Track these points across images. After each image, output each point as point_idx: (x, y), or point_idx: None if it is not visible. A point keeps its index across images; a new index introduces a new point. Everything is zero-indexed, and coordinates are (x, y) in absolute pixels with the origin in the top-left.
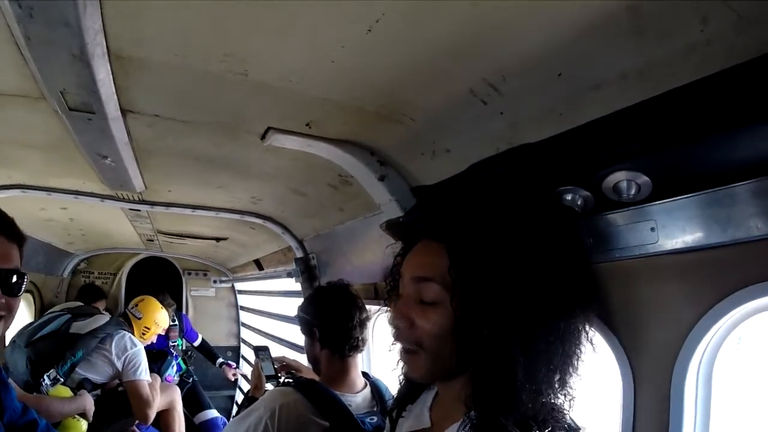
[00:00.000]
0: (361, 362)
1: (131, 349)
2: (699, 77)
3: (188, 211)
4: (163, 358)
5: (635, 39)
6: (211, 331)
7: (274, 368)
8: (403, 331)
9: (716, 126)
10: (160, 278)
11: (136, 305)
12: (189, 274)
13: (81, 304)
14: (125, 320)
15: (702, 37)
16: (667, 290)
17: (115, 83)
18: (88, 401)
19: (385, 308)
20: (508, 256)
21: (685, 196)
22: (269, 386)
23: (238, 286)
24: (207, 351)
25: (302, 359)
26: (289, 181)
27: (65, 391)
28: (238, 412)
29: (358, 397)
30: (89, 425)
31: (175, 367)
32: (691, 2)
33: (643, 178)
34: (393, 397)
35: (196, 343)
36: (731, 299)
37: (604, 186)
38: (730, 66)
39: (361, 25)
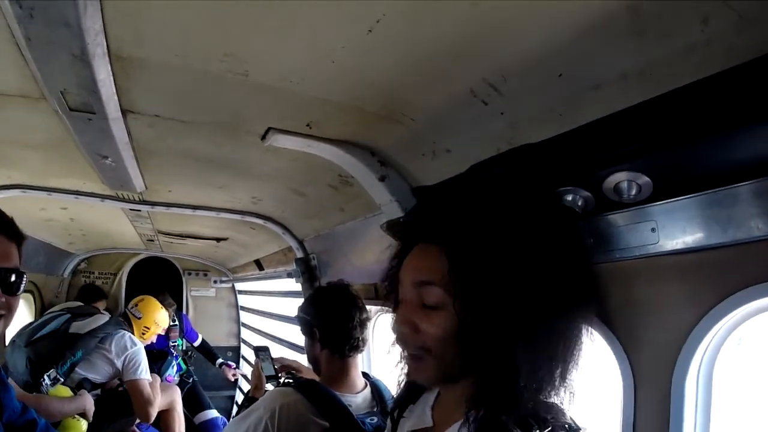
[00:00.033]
0: (361, 362)
1: (131, 349)
2: (699, 77)
3: (188, 212)
4: (163, 358)
5: (635, 39)
6: (212, 332)
7: (274, 368)
8: (407, 337)
9: (717, 126)
10: (160, 278)
11: (136, 305)
12: (189, 274)
13: (81, 303)
14: (125, 320)
15: (702, 37)
16: (667, 291)
17: (115, 83)
18: (88, 401)
19: (386, 309)
20: (506, 256)
21: (686, 196)
22: (269, 386)
23: (239, 286)
24: (207, 351)
25: (302, 359)
26: (289, 182)
27: (65, 391)
28: (238, 413)
29: (358, 398)
30: (89, 425)
31: (175, 367)
32: (691, 2)
33: (644, 179)
34: (392, 398)
35: (196, 344)
36: (732, 300)
37: (605, 186)
38: (730, 66)
39: (361, 25)
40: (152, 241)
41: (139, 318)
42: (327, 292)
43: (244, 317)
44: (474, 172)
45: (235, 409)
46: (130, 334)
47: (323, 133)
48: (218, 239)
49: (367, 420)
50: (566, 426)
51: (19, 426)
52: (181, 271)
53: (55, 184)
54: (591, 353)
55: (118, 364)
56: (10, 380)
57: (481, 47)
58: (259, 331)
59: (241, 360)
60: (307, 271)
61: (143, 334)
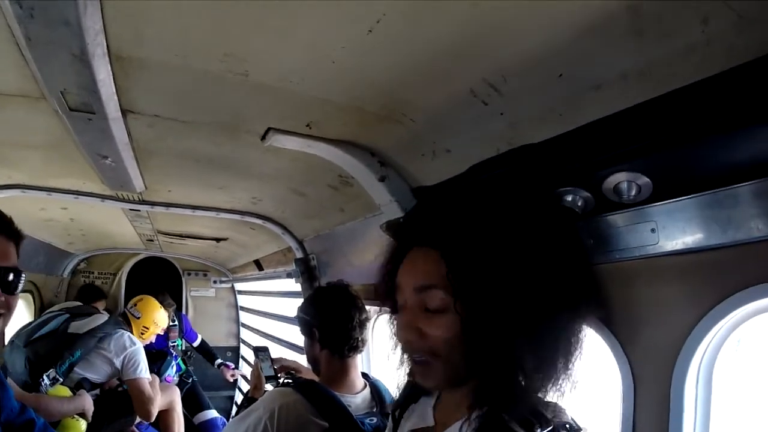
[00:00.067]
0: (360, 363)
1: (130, 348)
2: (699, 78)
3: (188, 212)
4: (162, 358)
5: (635, 39)
6: (211, 332)
7: (274, 369)
8: (414, 343)
9: (717, 127)
10: (159, 278)
11: (135, 305)
12: (189, 274)
13: (79, 303)
14: (124, 320)
15: (702, 37)
16: (667, 291)
17: (115, 83)
18: (87, 401)
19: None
20: (503, 256)
21: (686, 197)
22: (269, 387)
23: (238, 286)
24: (206, 351)
25: (302, 360)
26: (289, 182)
27: (64, 391)
28: (237, 413)
29: (357, 398)
30: (88, 425)
31: (174, 368)
32: (691, 2)
33: (644, 179)
34: (393, 400)
35: (196, 344)
36: (731, 300)
37: (605, 187)
38: (730, 67)
39: (361, 25)
40: (152, 241)
41: (138, 318)
42: (326, 292)
43: (244, 317)
44: (474, 173)
45: (234, 409)
46: (129, 333)
47: (323, 134)
48: (218, 239)
49: (367, 420)
50: (567, 425)
51: (17, 426)
52: (180, 272)
53: (55, 184)
54: (591, 353)
55: (117, 363)
56: (9, 380)
57: (481, 47)
58: (259, 331)
59: (240, 360)
60: (306, 271)
61: (142, 333)
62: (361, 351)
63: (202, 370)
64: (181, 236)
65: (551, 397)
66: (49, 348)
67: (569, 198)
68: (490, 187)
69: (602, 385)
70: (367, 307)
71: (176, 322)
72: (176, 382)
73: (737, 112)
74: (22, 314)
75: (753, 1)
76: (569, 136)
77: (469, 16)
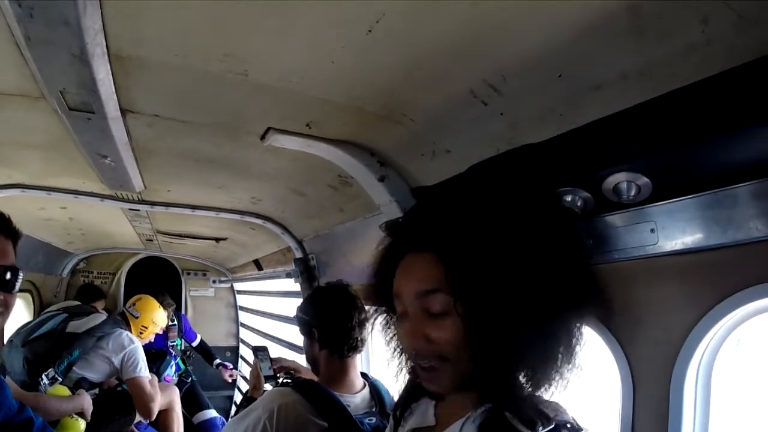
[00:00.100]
0: (360, 363)
1: (129, 347)
2: (699, 78)
3: (188, 211)
4: (161, 358)
5: (635, 39)
6: (210, 332)
7: (273, 369)
8: (421, 350)
9: (716, 127)
10: (159, 278)
11: (134, 304)
12: (188, 274)
13: (78, 303)
14: (123, 319)
15: (702, 37)
16: (666, 291)
17: (114, 83)
18: (86, 400)
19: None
20: (498, 252)
21: (685, 197)
22: (268, 386)
23: (238, 286)
24: (205, 351)
25: (301, 360)
26: (288, 182)
27: (63, 390)
28: (236, 413)
29: (356, 398)
30: (87, 424)
31: (173, 367)
32: (691, 2)
33: (643, 179)
34: (392, 399)
35: (195, 344)
36: (731, 300)
37: (604, 187)
38: (730, 67)
39: (361, 25)
40: (151, 240)
41: (137, 317)
42: (326, 292)
43: (243, 317)
44: (473, 173)
45: (233, 409)
46: (127, 332)
47: (323, 133)
48: (217, 239)
49: (366, 420)
50: (568, 424)
51: (15, 425)
52: (180, 271)
53: (55, 184)
54: (590, 353)
55: (116, 362)
56: (7, 379)
57: (481, 47)
58: (258, 331)
59: (239, 360)
60: (306, 271)
61: (141, 333)
62: (361, 351)
63: (202, 369)
64: (180, 236)
65: (552, 395)
66: (47, 347)
67: (569, 198)
68: (488, 187)
69: (602, 385)
70: (367, 307)
71: (175, 322)
72: (175, 381)
73: (737, 112)
74: (21, 314)
75: (753, 2)
76: (569, 136)
77: (469, 16)
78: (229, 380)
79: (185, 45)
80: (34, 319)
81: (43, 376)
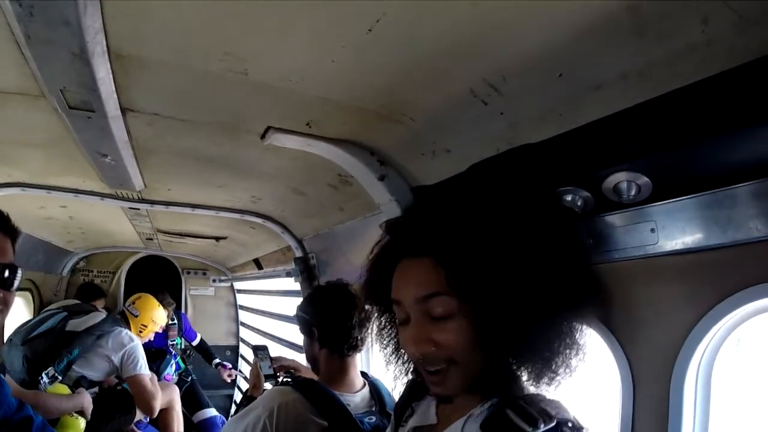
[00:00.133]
0: (360, 362)
1: (129, 344)
2: (699, 78)
3: (188, 210)
4: (162, 356)
5: (635, 39)
6: (211, 331)
7: (273, 368)
8: (429, 355)
9: (717, 127)
10: (159, 277)
11: (133, 303)
12: (188, 273)
13: (77, 301)
14: (122, 318)
15: (702, 37)
16: (666, 291)
17: (115, 82)
18: (86, 399)
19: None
20: (495, 250)
21: (685, 197)
22: (268, 385)
23: (238, 285)
24: (204, 351)
25: (301, 359)
26: (288, 181)
27: (63, 389)
28: (236, 411)
29: (356, 397)
30: (87, 423)
31: (173, 366)
32: (691, 2)
33: (644, 179)
34: (392, 399)
35: (195, 343)
36: (731, 300)
37: (604, 187)
38: (730, 67)
39: (361, 25)
40: (151, 239)
41: (137, 316)
42: (326, 291)
43: (243, 316)
44: (473, 172)
45: (233, 408)
46: (127, 330)
47: (323, 133)
48: (217, 238)
49: (366, 419)
50: (569, 423)
51: (14, 423)
52: (180, 270)
53: (55, 183)
54: (590, 353)
55: (116, 360)
56: (7, 377)
57: (481, 47)
58: (258, 330)
59: (239, 359)
60: (306, 270)
61: (140, 331)
62: (361, 350)
63: (202, 368)
64: (180, 235)
65: (556, 387)
66: (46, 346)
67: (569, 197)
68: (485, 188)
69: (602, 385)
70: (367, 306)
71: (175, 321)
72: (175, 380)
73: (737, 112)
74: (21, 313)
75: (753, 2)
76: (569, 135)
77: (469, 15)
78: (228, 380)
79: (185, 44)
80: (33, 317)
81: (43, 375)
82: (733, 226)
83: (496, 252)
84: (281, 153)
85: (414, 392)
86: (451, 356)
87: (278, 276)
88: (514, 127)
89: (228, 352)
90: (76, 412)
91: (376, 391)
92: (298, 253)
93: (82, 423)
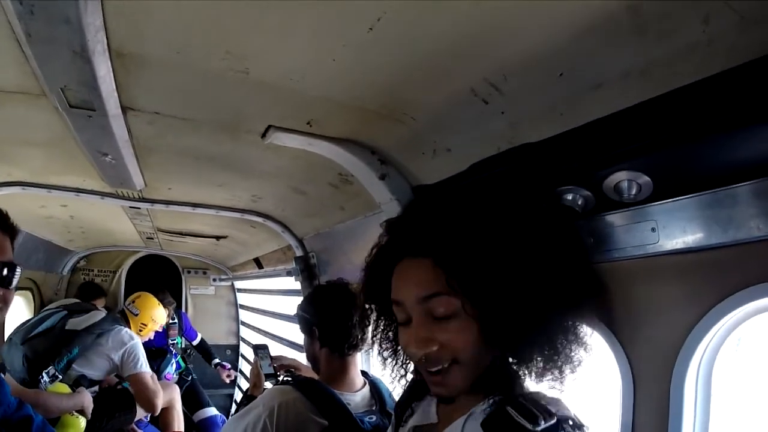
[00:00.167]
0: (360, 361)
1: (129, 343)
2: (700, 77)
3: (188, 209)
4: (162, 356)
5: (636, 39)
6: (211, 330)
7: (273, 367)
8: (433, 355)
9: (717, 126)
10: (159, 276)
11: (133, 301)
12: (189, 272)
13: (77, 300)
14: (122, 317)
15: (703, 37)
16: (667, 291)
17: (115, 80)
18: (86, 398)
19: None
20: (493, 248)
21: (686, 196)
22: (268, 385)
23: (238, 284)
24: (204, 350)
25: (301, 358)
26: (289, 180)
27: (64, 388)
28: (237, 411)
29: (357, 396)
30: (87, 422)
31: (174, 365)
32: (692, 2)
33: (644, 178)
34: (392, 398)
35: (195, 342)
36: (732, 300)
37: (605, 186)
38: (731, 66)
39: (362, 24)
40: (152, 238)
41: (136, 315)
42: (326, 290)
43: (244, 315)
44: (474, 171)
45: (234, 407)
46: (127, 329)
47: (324, 132)
48: (218, 237)
49: (366, 418)
50: (570, 420)
51: (14, 422)
52: (180, 269)
53: (55, 182)
54: (590, 353)
55: (116, 359)
56: (6, 376)
57: (482, 46)
58: (258, 329)
59: (240, 358)
60: (306, 269)
61: (140, 330)
62: (361, 349)
63: (202, 368)
64: (181, 234)
65: (560, 381)
66: (46, 345)
67: (569, 197)
68: (483, 187)
69: (602, 384)
70: (367, 306)
71: (176, 320)
72: (176, 379)
73: (738, 111)
74: (21, 312)
75: (754, 2)
76: (570, 135)
77: (470, 15)
78: (227, 381)
79: (186, 43)
80: (33, 316)
81: (44, 374)
82: (734, 225)
83: (496, 252)
84: (282, 152)
85: (414, 392)
86: (454, 356)
87: (278, 275)
88: (514, 127)
89: (228, 352)
90: (76, 411)
91: (376, 390)
92: (299, 253)
93: (82, 422)
